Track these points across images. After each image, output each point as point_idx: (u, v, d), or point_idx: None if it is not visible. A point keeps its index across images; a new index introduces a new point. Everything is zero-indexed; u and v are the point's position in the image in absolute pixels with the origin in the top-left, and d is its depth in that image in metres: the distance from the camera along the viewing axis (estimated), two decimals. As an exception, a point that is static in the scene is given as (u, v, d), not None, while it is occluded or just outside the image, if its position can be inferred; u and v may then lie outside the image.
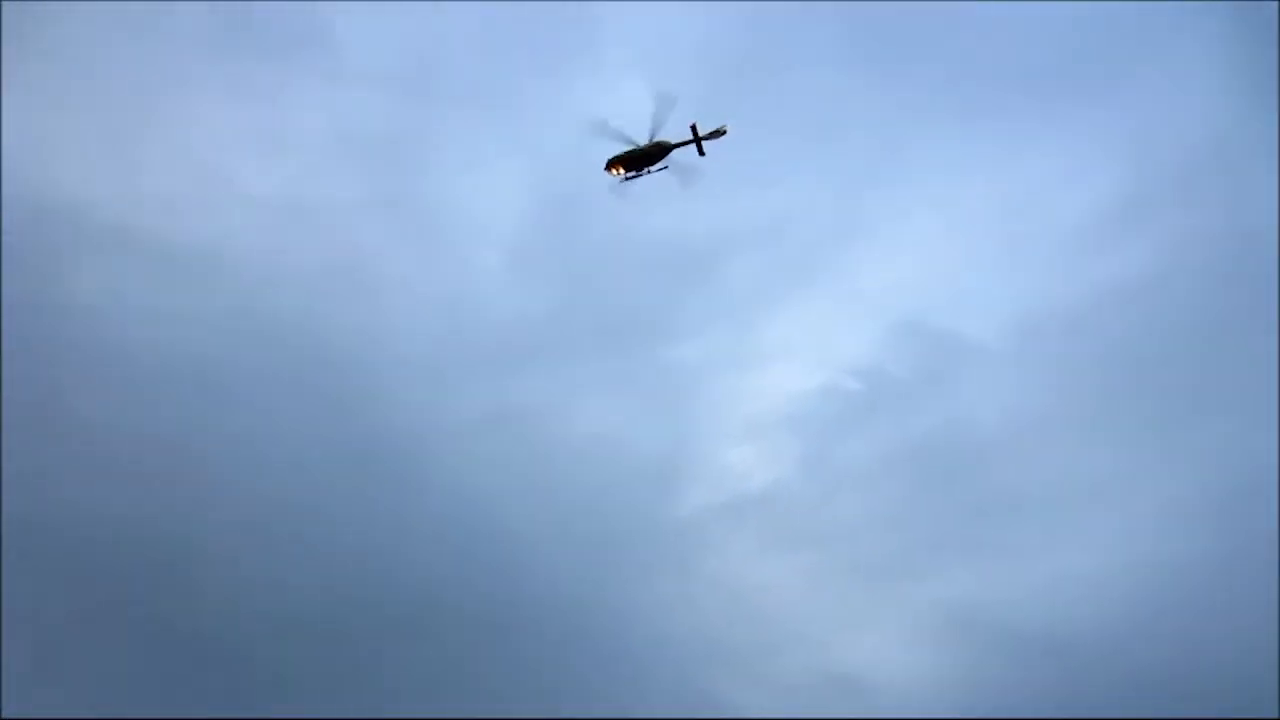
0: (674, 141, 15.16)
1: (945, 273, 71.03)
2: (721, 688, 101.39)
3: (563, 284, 66.55)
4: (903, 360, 69.81)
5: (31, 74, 55.71)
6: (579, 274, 67.20)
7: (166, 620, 77.48)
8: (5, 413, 53.49)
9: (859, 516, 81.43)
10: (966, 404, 68.92)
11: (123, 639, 77.82)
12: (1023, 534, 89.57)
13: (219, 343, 58.26)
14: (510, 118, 66.50)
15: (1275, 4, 53.28)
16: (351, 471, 64.90)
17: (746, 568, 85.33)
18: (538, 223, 63.23)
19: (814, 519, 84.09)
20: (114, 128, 56.91)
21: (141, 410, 60.01)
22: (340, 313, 62.61)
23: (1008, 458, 72.59)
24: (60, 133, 55.43)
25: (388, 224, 63.04)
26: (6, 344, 51.88)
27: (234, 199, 57.51)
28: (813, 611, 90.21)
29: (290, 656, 77.70)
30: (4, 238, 49.80)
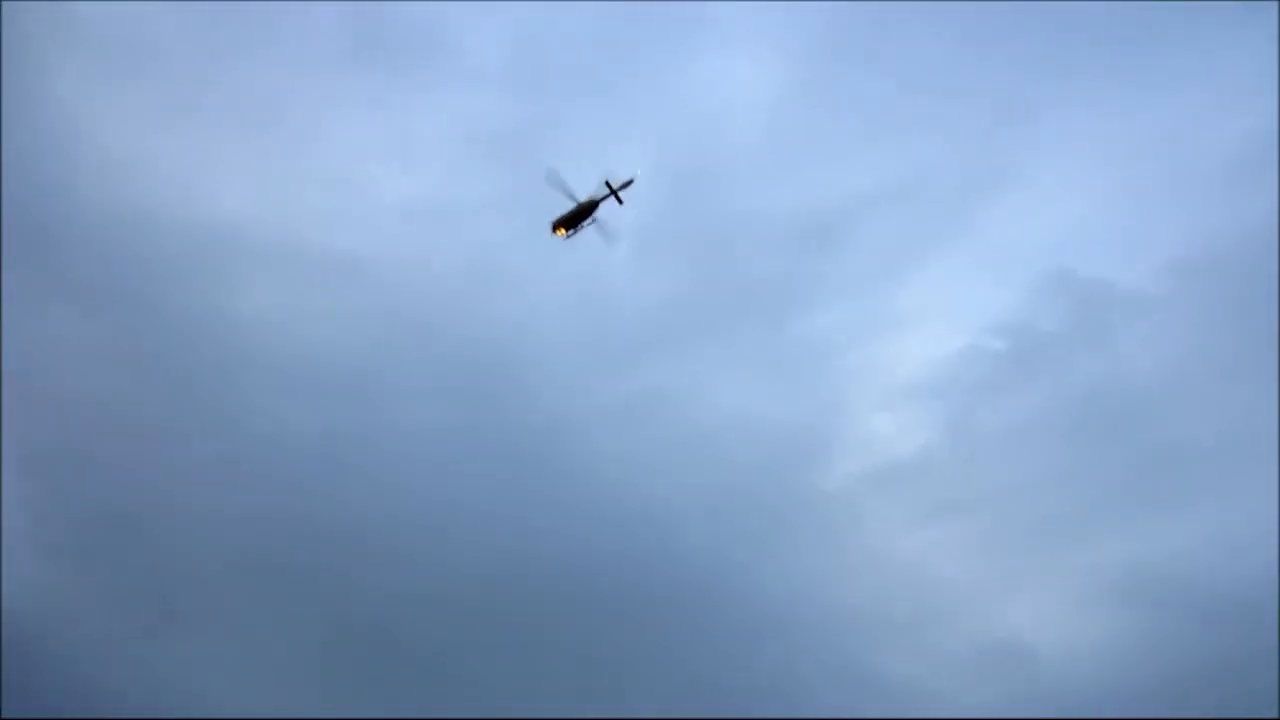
0: (598, 198, 16.97)
1: (1092, 218, 67.60)
2: (880, 660, 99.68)
3: (692, 264, 66.41)
4: (1052, 314, 66.97)
5: (182, 99, 59.28)
6: (707, 253, 67.01)
7: (340, 614, 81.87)
8: (192, 421, 57.34)
9: (1014, 479, 78.61)
10: (1124, 355, 65.67)
11: (298, 634, 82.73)
12: (1195, 486, 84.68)
13: (373, 345, 60.80)
14: (625, 104, 66.76)
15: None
16: (503, 462, 66.46)
17: (900, 537, 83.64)
18: (661, 206, 63.42)
19: (966, 484, 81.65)
20: (262, 147, 60.12)
21: (307, 413, 63.24)
22: (482, 310, 64.46)
23: (1172, 408, 68.75)
24: (213, 155, 58.74)
25: (519, 220, 64.39)
26: (187, 359, 55.65)
27: (377, 207, 59.85)
28: (972, 579, 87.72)
29: (453, 640, 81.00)
30: (174, 258, 53.01)
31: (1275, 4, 52.18)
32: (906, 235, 63.72)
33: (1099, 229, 65.36)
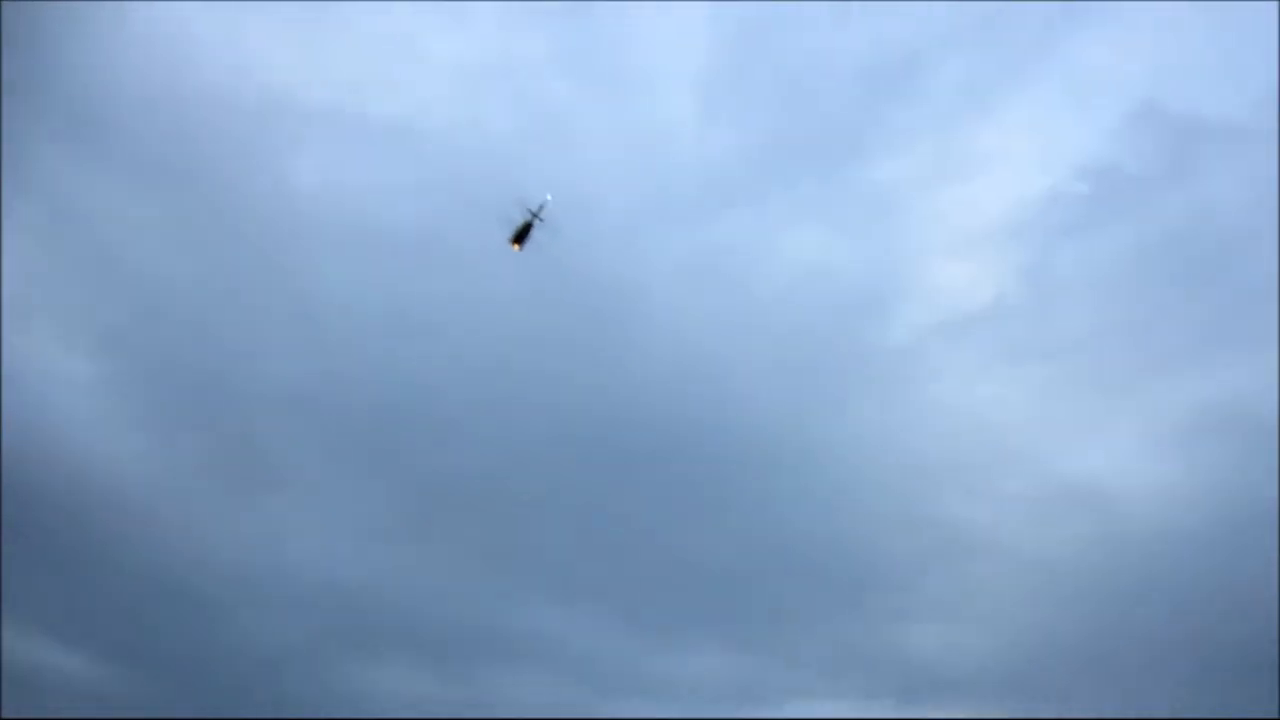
0: (529, 219, 19.34)
1: (1183, 48, 63.60)
2: (947, 507, 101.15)
3: (755, 114, 63.97)
4: (1139, 153, 63.75)
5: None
6: (773, 100, 64.39)
7: (414, 477, 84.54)
8: (262, 293, 57.83)
9: (1091, 326, 76.96)
10: (1213, 192, 62.62)
11: (374, 496, 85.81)
12: (1275, 327, 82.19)
13: (429, 212, 60.16)
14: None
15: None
16: (567, 324, 66.54)
17: (970, 387, 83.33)
18: (723, 56, 60.52)
19: (1041, 332, 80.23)
20: (307, 12, 57.95)
21: (366, 282, 63.39)
22: (538, 172, 62.89)
23: (1257, 248, 66.20)
24: (253, 28, 56.97)
25: (574, 78, 62.02)
26: (249, 231, 55.62)
27: (425, 71, 57.91)
28: (1044, 424, 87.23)
29: (519, 502, 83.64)
30: (227, 132, 52.42)
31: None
32: (984, 72, 60.18)
33: (1190, 59, 61.30)
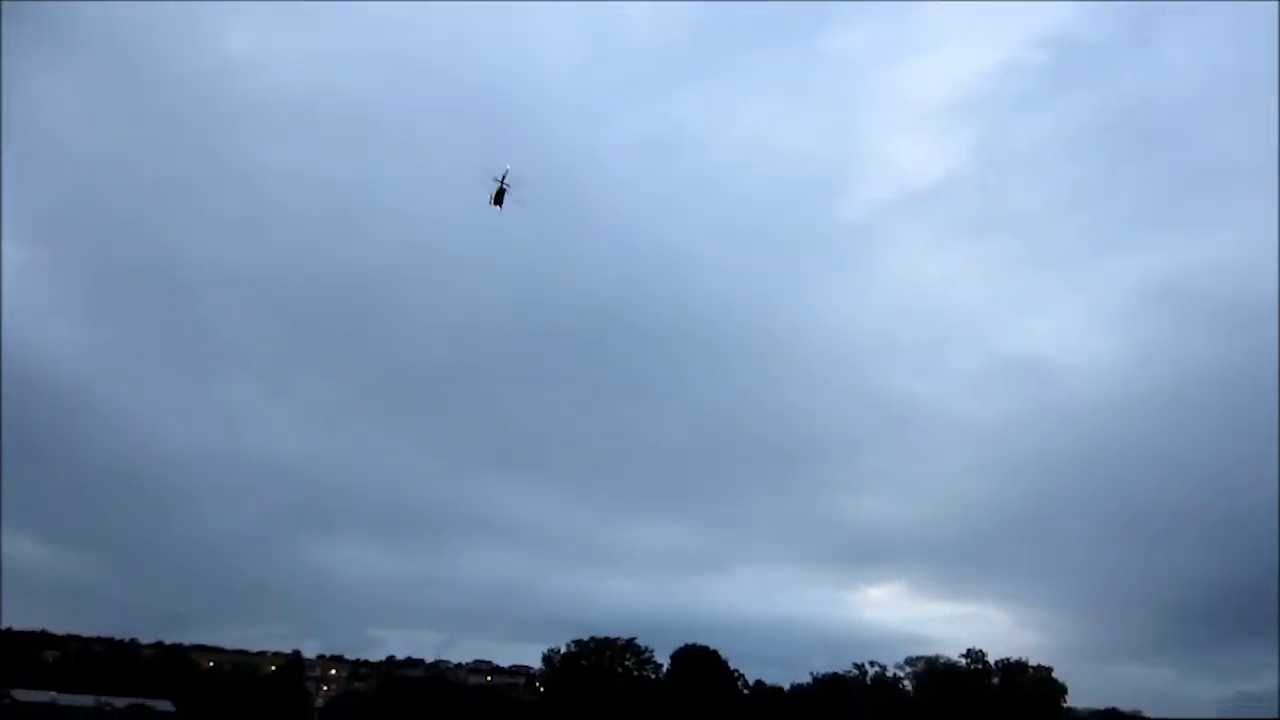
0: (500, 186, 21.30)
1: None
2: (895, 381, 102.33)
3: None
4: (1100, 22, 62.35)
5: None
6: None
7: (362, 357, 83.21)
8: (202, 172, 55.71)
9: (1043, 200, 77.27)
10: (1170, 65, 61.77)
11: (324, 375, 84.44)
12: (1223, 205, 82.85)
13: (372, 86, 57.61)
14: None
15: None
16: (517, 203, 65.21)
17: (921, 263, 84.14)
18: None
19: (993, 207, 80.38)
20: None
21: (306, 155, 61.23)
22: (488, 50, 60.25)
23: (1209, 125, 65.73)
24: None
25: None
26: (182, 107, 53.08)
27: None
28: (992, 300, 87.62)
29: (474, 376, 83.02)
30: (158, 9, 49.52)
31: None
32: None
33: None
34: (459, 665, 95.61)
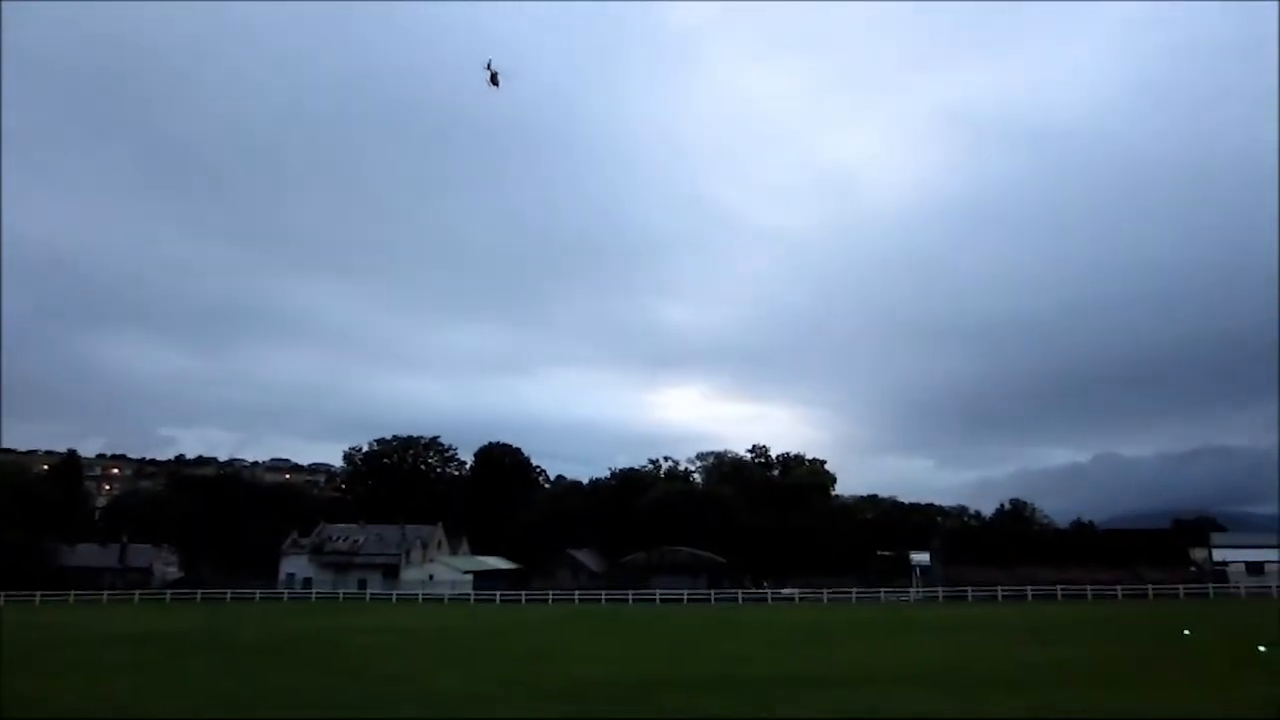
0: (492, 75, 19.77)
1: None
2: (707, 188, 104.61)
3: None
4: None
5: None
6: None
7: (157, 131, 75.52)
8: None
9: (865, 16, 77.46)
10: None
11: (107, 148, 76.59)
12: (1026, 30, 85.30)
13: None
14: None
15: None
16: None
17: (741, 73, 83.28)
18: None
19: (814, 22, 79.84)
20: None
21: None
22: None
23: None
24: None
25: None
26: None
27: None
28: (806, 114, 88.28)
29: (287, 160, 77.56)
30: None
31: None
32: None
33: None
34: (255, 464, 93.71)
